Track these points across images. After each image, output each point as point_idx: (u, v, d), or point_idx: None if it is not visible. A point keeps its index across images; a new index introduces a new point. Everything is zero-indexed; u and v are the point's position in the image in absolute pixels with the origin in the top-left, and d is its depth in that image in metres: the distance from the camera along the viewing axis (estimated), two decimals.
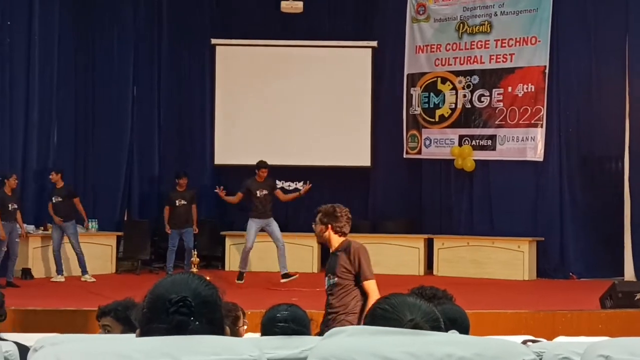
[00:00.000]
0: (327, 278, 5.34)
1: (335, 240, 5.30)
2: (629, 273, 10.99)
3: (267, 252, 11.41)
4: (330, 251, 5.41)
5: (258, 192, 10.70)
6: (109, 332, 3.63)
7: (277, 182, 11.48)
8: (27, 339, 3.50)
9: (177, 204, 11.31)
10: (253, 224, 10.59)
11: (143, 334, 1.84)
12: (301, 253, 11.74)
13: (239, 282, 10.25)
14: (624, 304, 7.59)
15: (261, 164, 10.78)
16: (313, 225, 5.41)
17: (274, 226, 10.64)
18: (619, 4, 11.29)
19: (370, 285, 5.13)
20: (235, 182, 13.29)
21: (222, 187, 11.18)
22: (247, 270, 10.64)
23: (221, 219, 12.98)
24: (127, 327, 3.56)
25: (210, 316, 1.83)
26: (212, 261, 12.46)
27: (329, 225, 5.26)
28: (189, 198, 11.35)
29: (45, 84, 11.84)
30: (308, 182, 11.06)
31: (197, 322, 1.80)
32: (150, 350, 1.73)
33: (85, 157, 12.60)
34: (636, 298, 7.50)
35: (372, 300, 4.77)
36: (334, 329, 2.03)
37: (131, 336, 1.95)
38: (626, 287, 8.03)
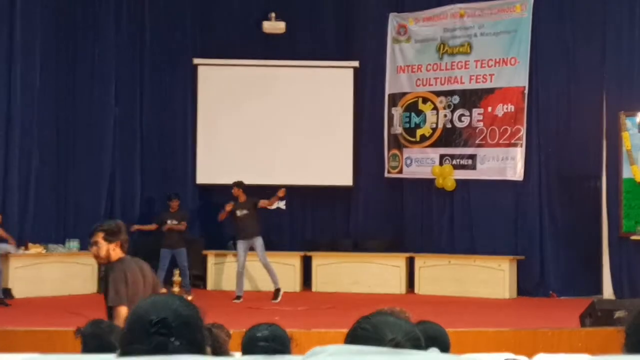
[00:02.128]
0: None
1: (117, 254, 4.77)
2: (608, 291, 11.07)
3: (247, 271, 11.40)
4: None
5: (238, 212, 10.75)
6: None
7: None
8: None
9: (169, 224, 11.35)
10: (240, 245, 10.72)
11: (123, 354, 1.85)
12: (283, 271, 11.72)
13: (235, 301, 10.47)
14: (603, 322, 7.64)
15: (233, 184, 10.87)
16: (94, 248, 4.77)
17: (257, 245, 10.68)
18: (597, 25, 11.45)
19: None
20: (217, 202, 13.31)
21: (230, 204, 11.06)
22: (242, 292, 10.74)
23: (203, 238, 12.95)
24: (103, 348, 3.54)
25: (190, 337, 1.84)
26: (195, 280, 12.41)
27: (119, 242, 4.76)
28: (180, 219, 11.37)
29: (27, 104, 11.79)
30: (283, 189, 11.04)
31: (178, 343, 1.81)
32: None
33: (67, 176, 12.54)
34: (615, 316, 7.55)
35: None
36: (315, 349, 2.03)
37: (111, 356, 1.95)
38: (605, 305, 8.08)
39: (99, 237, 4.73)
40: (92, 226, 4.85)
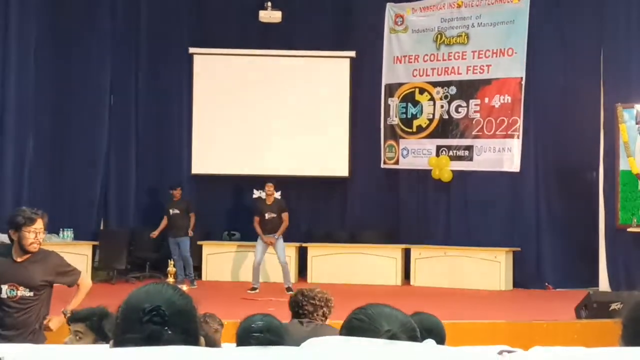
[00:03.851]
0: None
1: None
2: (604, 283, 11.07)
3: (242, 261, 11.41)
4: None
5: (267, 215, 10.93)
6: (80, 338, 3.60)
7: (255, 191, 11.49)
8: None
9: (171, 213, 11.50)
10: (260, 241, 10.88)
11: (117, 344, 1.83)
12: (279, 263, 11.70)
13: (250, 292, 10.50)
14: (599, 314, 7.64)
15: (267, 184, 11.04)
16: (42, 235, 4.66)
17: (278, 245, 10.70)
18: (594, 15, 11.41)
19: None
20: (212, 192, 13.29)
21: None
22: (258, 284, 10.74)
23: (199, 229, 12.93)
24: (99, 336, 3.53)
25: (184, 326, 1.82)
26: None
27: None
28: (184, 207, 11.48)
29: (22, 93, 11.75)
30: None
31: (171, 332, 1.78)
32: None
33: (62, 166, 12.51)
34: (611, 308, 7.55)
35: None
36: (310, 340, 2.01)
37: (104, 347, 1.93)
38: (601, 298, 8.09)
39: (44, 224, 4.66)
40: (34, 212, 4.61)
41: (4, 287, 4.57)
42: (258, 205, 11.13)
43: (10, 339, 4.42)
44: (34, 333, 4.63)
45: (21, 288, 4.59)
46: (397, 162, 12.76)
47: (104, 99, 12.74)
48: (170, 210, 11.51)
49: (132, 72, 12.99)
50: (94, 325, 3.58)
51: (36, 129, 12.05)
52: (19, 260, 4.61)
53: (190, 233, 11.49)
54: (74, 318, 3.67)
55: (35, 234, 4.56)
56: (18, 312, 4.58)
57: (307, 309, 4.34)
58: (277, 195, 11.34)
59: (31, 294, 4.61)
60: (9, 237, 4.65)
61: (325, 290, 4.47)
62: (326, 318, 4.41)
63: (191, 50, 13.10)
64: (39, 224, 4.57)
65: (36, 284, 4.62)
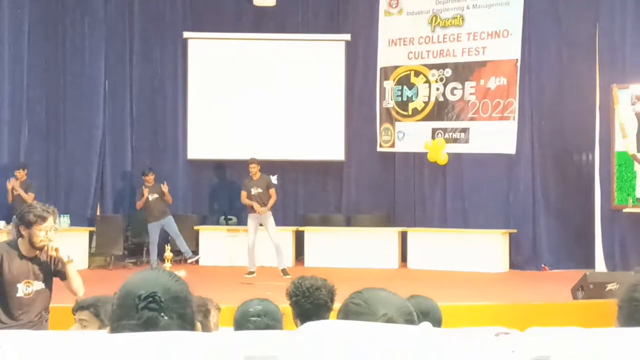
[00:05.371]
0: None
1: None
2: (600, 264, 11.10)
3: (239, 246, 11.40)
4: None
5: (253, 190, 10.77)
6: (85, 326, 3.59)
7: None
8: None
9: (150, 199, 11.34)
10: (250, 221, 10.79)
11: (113, 330, 1.83)
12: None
13: (248, 276, 10.46)
14: (595, 295, 7.66)
15: (251, 161, 10.91)
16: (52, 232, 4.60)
17: (268, 223, 10.67)
18: None
19: None
20: (208, 177, 13.29)
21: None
22: (254, 268, 10.67)
23: (195, 214, 12.94)
24: (105, 323, 3.52)
25: (180, 311, 1.82)
26: None
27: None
28: (159, 191, 11.37)
29: (16, 79, 11.71)
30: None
31: (167, 318, 1.78)
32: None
33: (57, 152, 12.49)
34: (607, 289, 7.57)
35: None
36: (307, 324, 2.01)
37: (102, 332, 1.93)
38: (597, 278, 8.10)
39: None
40: (46, 209, 4.57)
41: (20, 286, 4.55)
42: (245, 184, 11.04)
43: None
44: (46, 320, 4.67)
45: (35, 282, 4.59)
46: (393, 145, 12.75)
47: (98, 84, 12.70)
48: (149, 196, 11.34)
49: (126, 58, 12.95)
50: (99, 312, 3.57)
51: (31, 115, 12.01)
52: (28, 255, 4.59)
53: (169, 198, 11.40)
54: (79, 307, 3.66)
55: (46, 232, 4.53)
56: (33, 306, 4.58)
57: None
58: (272, 178, 11.31)
59: (43, 285, 4.62)
60: (18, 231, 4.63)
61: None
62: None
63: (186, 34, 13.05)
64: (50, 222, 4.56)
65: (47, 273, 4.62)
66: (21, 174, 11.13)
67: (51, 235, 4.57)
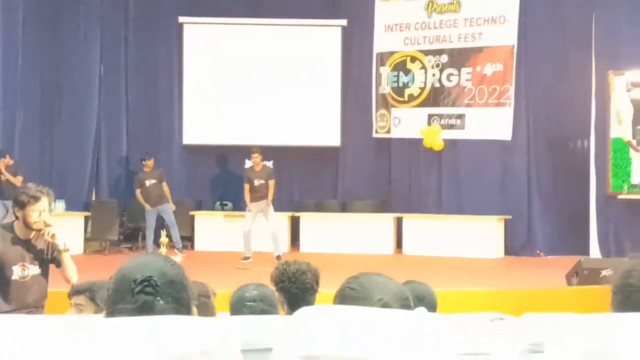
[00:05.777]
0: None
1: None
2: (595, 250, 11.14)
3: (234, 232, 11.41)
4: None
5: (256, 181, 10.76)
6: (81, 311, 3.59)
7: (248, 162, 11.44)
8: None
9: (148, 185, 11.33)
10: (252, 208, 10.76)
11: (109, 315, 1.83)
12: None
13: (243, 261, 10.44)
14: (590, 281, 7.69)
15: (253, 149, 10.88)
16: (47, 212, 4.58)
17: (269, 212, 10.66)
18: None
19: None
20: (204, 162, 13.27)
21: None
22: (250, 253, 10.67)
23: (191, 200, 12.93)
24: (101, 307, 3.52)
25: (176, 296, 1.82)
26: (183, 241, 12.40)
27: None
28: (158, 177, 11.34)
29: (10, 65, 11.65)
30: None
31: (163, 302, 1.78)
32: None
33: (52, 138, 12.46)
34: (601, 275, 7.60)
35: None
36: (303, 309, 2.01)
37: (98, 317, 1.93)
38: (592, 264, 8.13)
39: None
40: (39, 189, 4.53)
41: (15, 269, 4.54)
42: (247, 174, 11.06)
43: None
44: (42, 307, 4.66)
45: (30, 266, 4.58)
46: (388, 131, 12.74)
47: (93, 69, 12.66)
48: (147, 182, 11.32)
49: (121, 43, 12.90)
50: (94, 296, 3.57)
51: (26, 101, 11.97)
52: (23, 238, 4.58)
53: (173, 207, 11.33)
54: (75, 291, 3.66)
55: (40, 213, 4.52)
56: (29, 291, 4.57)
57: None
58: (269, 164, 11.30)
59: (39, 271, 4.61)
60: (14, 214, 4.62)
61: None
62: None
63: (181, 19, 12.99)
64: (44, 203, 4.53)
65: (43, 259, 4.61)
66: (5, 161, 11.06)
67: (45, 217, 4.56)
